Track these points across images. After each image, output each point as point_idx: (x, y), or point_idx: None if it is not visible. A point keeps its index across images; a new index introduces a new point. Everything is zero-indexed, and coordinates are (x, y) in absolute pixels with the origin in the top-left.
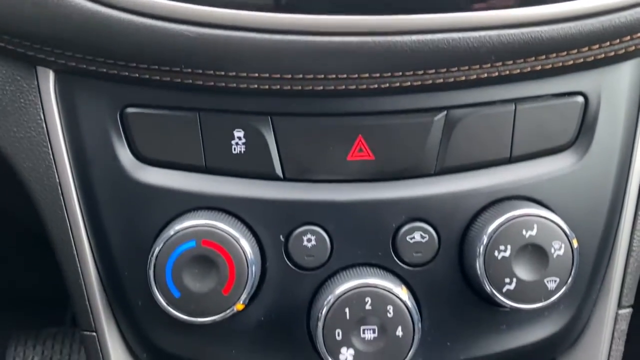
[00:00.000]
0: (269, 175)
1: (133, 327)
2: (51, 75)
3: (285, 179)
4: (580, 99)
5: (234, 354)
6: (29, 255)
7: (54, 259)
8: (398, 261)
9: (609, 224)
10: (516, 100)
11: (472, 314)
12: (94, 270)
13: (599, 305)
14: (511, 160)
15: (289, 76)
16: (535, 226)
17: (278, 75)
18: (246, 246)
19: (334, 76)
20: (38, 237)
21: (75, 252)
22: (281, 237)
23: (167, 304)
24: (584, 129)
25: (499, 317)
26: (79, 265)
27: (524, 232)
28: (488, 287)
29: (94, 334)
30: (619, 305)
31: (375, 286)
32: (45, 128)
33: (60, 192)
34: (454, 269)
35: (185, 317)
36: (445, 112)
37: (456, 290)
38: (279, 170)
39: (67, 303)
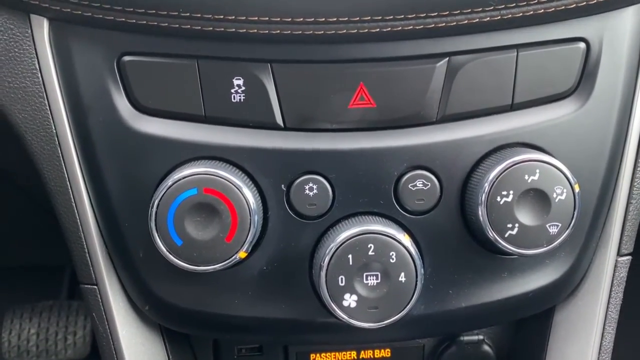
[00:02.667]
0: (269, 125)
1: (134, 278)
2: (45, 24)
3: (285, 128)
4: (582, 45)
5: (236, 304)
6: (26, 226)
7: (51, 229)
8: (400, 209)
9: (610, 171)
10: (518, 47)
11: (474, 261)
12: (94, 222)
13: (599, 252)
14: (513, 107)
15: (289, 19)
16: (537, 171)
17: (278, 19)
18: (248, 194)
19: (334, 19)
20: (34, 204)
21: (74, 204)
22: (282, 186)
23: (169, 252)
24: (586, 75)
25: (501, 264)
26: (77, 218)
27: (526, 177)
28: (490, 233)
29: (95, 287)
30: (619, 253)
31: (378, 232)
32: (40, 78)
33: (57, 143)
34: (455, 216)
35: (187, 266)
36: (447, 59)
37: (458, 238)
38: (279, 119)
39: (62, 275)
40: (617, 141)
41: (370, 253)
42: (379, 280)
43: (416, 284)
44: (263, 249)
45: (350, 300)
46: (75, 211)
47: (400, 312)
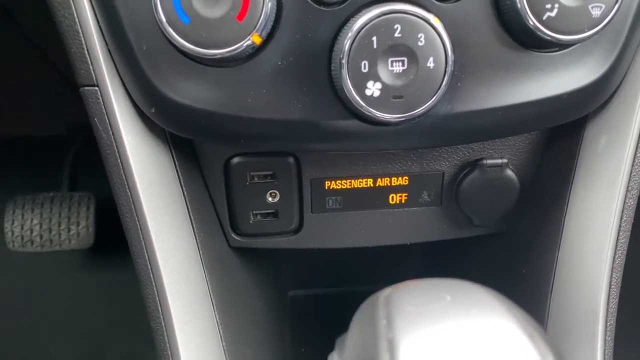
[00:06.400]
0: None
1: (137, 76)
2: None
3: None
4: None
5: (249, 104)
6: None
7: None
8: None
9: None
10: None
11: (506, 57)
12: (91, 12)
13: (638, 56)
14: None
15: None
16: None
17: None
18: None
19: None
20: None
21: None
22: None
23: (175, 32)
24: None
25: (535, 62)
26: (74, 9)
27: None
28: (527, 15)
29: (96, 88)
30: None
31: (406, 12)
32: None
33: None
34: (489, 4)
35: (195, 48)
36: None
37: (490, 30)
38: None
39: (63, 167)
40: None
41: (396, 35)
42: (405, 67)
43: (445, 70)
44: (278, 39)
45: (373, 88)
46: (71, 1)
47: (427, 102)
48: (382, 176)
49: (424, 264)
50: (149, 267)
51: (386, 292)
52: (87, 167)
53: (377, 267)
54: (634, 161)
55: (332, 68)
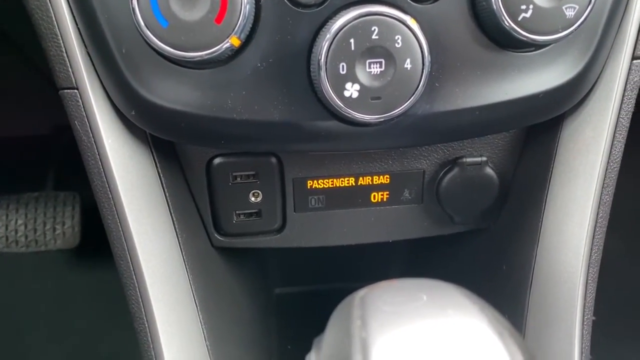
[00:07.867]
0: None
1: (117, 80)
2: None
3: None
4: None
5: (229, 105)
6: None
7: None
8: None
9: None
10: None
11: (483, 57)
12: (70, 16)
13: (613, 55)
14: None
15: None
16: None
17: None
18: None
19: None
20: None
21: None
22: None
23: (153, 35)
24: None
25: (511, 62)
26: (52, 11)
27: None
28: (503, 16)
29: (75, 90)
30: (634, 56)
31: (383, 14)
32: None
33: None
34: (465, 4)
35: (175, 51)
36: None
37: (467, 31)
38: None
39: (48, 167)
40: None
41: (374, 37)
42: (382, 68)
43: (422, 71)
44: (257, 41)
45: (351, 90)
46: (49, 4)
47: (405, 103)
48: (363, 175)
49: (408, 260)
50: (132, 269)
51: (362, 292)
52: (72, 167)
53: (363, 264)
54: (609, 158)
55: (311, 70)
